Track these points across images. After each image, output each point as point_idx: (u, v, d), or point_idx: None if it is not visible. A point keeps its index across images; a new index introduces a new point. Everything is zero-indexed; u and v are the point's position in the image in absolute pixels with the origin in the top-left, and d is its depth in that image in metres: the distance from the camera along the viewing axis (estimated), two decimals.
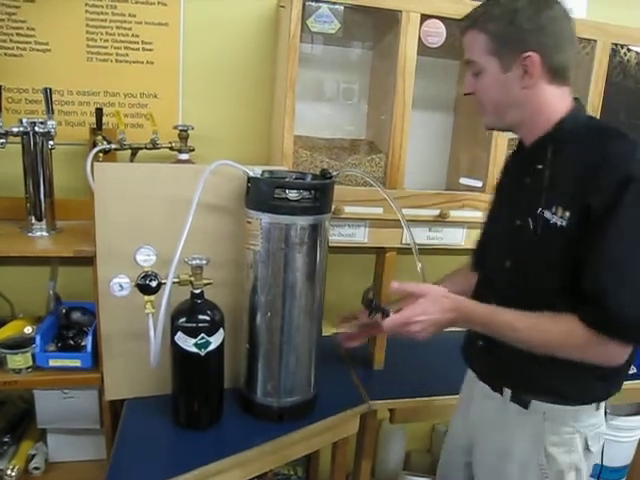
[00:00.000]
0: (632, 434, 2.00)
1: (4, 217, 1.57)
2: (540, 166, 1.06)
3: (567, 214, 0.98)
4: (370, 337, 1.58)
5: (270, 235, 1.23)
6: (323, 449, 1.68)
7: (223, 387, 1.33)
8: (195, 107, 1.71)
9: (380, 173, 1.54)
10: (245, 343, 1.34)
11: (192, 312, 1.23)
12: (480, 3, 1.06)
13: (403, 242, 1.54)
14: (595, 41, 1.57)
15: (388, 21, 1.48)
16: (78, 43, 1.60)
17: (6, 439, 1.61)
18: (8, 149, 1.41)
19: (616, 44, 1.61)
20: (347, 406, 1.43)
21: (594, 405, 1.09)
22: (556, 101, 1.04)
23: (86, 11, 1.59)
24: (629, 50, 1.65)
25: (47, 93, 1.43)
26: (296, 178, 1.32)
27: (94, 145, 1.52)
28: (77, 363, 1.43)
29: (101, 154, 1.53)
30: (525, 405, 1.10)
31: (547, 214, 1.01)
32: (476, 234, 1.36)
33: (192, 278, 1.22)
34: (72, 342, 1.48)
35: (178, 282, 1.20)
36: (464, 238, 1.61)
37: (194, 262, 1.21)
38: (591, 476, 1.19)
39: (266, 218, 1.22)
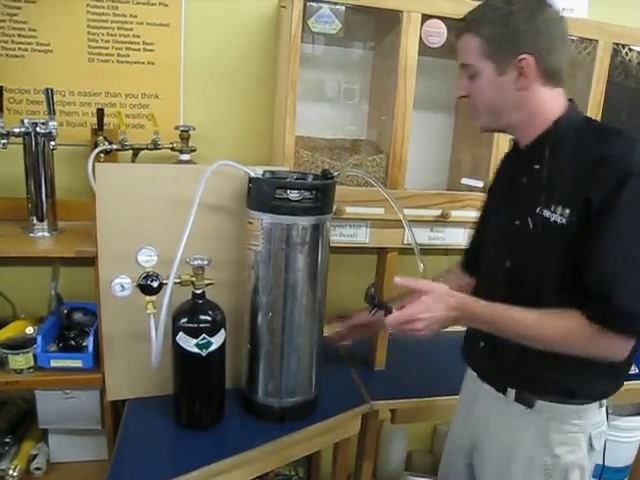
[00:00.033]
0: (634, 434, 2.00)
1: (6, 217, 1.57)
2: (537, 166, 1.06)
3: (567, 212, 0.99)
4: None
5: (271, 235, 1.23)
6: (324, 449, 1.68)
7: (224, 387, 1.33)
8: (196, 107, 1.71)
9: (381, 173, 1.54)
10: (246, 343, 1.34)
11: (193, 312, 1.23)
12: (475, 6, 1.07)
13: (404, 242, 1.54)
14: (596, 41, 1.57)
15: (389, 21, 1.48)
16: (79, 44, 1.60)
17: (7, 439, 1.61)
18: (10, 150, 1.42)
19: (617, 44, 1.61)
20: (348, 406, 1.43)
21: (597, 403, 1.10)
22: (551, 102, 1.05)
23: (87, 12, 1.59)
24: (630, 50, 1.65)
25: (48, 94, 1.43)
26: (297, 178, 1.32)
27: (95, 146, 1.52)
28: (78, 363, 1.43)
29: (102, 155, 1.53)
30: (530, 405, 1.10)
31: (546, 213, 1.02)
32: None
33: (193, 278, 1.22)
34: (73, 342, 1.48)
35: (179, 282, 1.20)
36: (465, 238, 1.61)
37: (195, 262, 1.21)
38: (593, 476, 1.19)
39: (267, 218, 1.22)
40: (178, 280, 1.19)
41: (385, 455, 2.12)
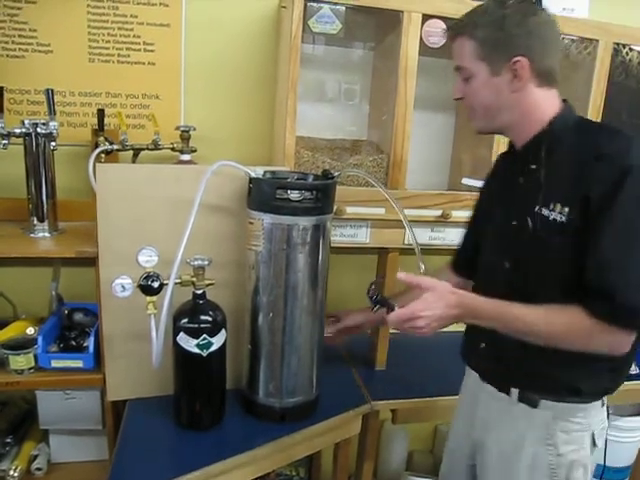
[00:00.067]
0: (634, 434, 2.00)
1: (6, 218, 1.57)
2: (534, 166, 1.08)
3: (566, 210, 1.00)
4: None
5: (272, 236, 1.23)
6: (325, 450, 1.69)
7: (225, 388, 1.33)
8: (197, 108, 1.71)
9: (382, 173, 1.54)
10: (247, 344, 1.34)
11: (194, 313, 1.23)
12: (469, 10, 1.08)
13: (405, 242, 1.54)
14: (597, 41, 1.57)
15: (390, 21, 1.48)
16: (80, 44, 1.60)
17: (8, 440, 1.61)
18: (10, 150, 1.42)
19: (618, 44, 1.61)
20: (349, 407, 1.43)
21: (600, 402, 1.11)
22: (545, 103, 1.06)
23: (88, 12, 1.59)
24: (631, 50, 1.65)
25: (49, 94, 1.43)
26: (298, 179, 1.32)
27: (96, 146, 1.52)
28: (79, 364, 1.43)
29: (103, 155, 1.53)
30: (534, 405, 1.10)
31: (545, 211, 1.03)
32: None
33: (194, 279, 1.22)
34: (74, 343, 1.48)
35: (180, 283, 1.20)
36: None
37: (196, 263, 1.21)
38: (594, 477, 1.19)
39: (268, 219, 1.22)
40: (179, 280, 1.19)
41: (386, 455, 2.12)
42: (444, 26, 1.43)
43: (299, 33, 1.38)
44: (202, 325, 1.22)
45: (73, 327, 1.53)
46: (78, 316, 1.57)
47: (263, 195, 1.22)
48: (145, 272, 1.17)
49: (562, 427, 1.09)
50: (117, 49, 1.63)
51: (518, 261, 1.11)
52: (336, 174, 1.34)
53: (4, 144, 1.41)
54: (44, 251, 1.45)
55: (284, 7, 1.53)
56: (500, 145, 1.55)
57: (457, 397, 1.35)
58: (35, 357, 1.42)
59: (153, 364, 1.19)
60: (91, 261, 1.35)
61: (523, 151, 1.11)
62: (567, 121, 1.06)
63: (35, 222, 1.49)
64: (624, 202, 0.94)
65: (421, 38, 1.44)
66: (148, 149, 1.59)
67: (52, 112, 1.44)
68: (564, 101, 1.09)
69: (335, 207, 1.33)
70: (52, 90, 1.44)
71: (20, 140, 1.44)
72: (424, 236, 1.58)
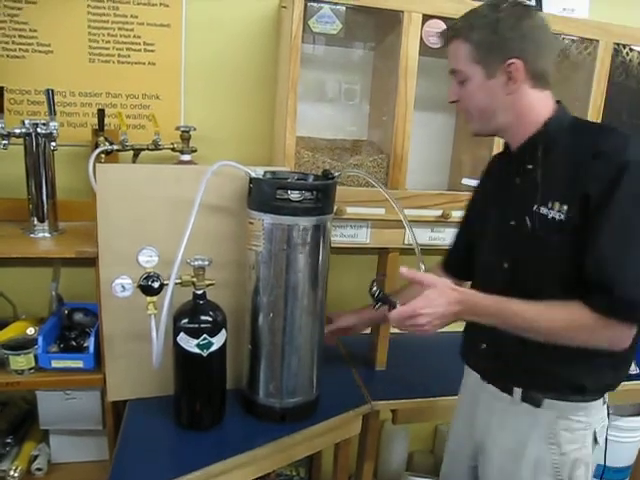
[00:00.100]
0: (635, 434, 2.00)
1: (6, 218, 1.57)
2: (530, 166, 1.09)
3: (565, 208, 1.01)
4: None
5: (272, 236, 1.23)
6: (325, 450, 1.69)
7: (225, 388, 1.33)
8: (197, 108, 1.71)
9: (382, 174, 1.54)
10: (247, 344, 1.34)
11: (194, 313, 1.23)
12: (463, 14, 1.10)
13: (405, 243, 1.54)
14: (597, 41, 1.57)
15: (390, 21, 1.48)
16: (80, 44, 1.60)
17: (9, 440, 1.61)
18: (10, 150, 1.42)
19: (618, 44, 1.61)
20: (349, 407, 1.43)
21: (601, 400, 1.11)
22: (540, 104, 1.08)
23: (88, 12, 1.59)
24: (631, 50, 1.65)
25: (49, 94, 1.43)
26: (298, 179, 1.32)
27: (96, 146, 1.52)
28: (79, 364, 1.43)
29: (103, 155, 1.53)
30: (538, 404, 1.10)
31: (544, 210, 1.04)
32: None
33: (194, 279, 1.22)
34: (74, 343, 1.48)
35: (180, 283, 1.20)
36: None
37: (196, 263, 1.21)
38: (594, 477, 1.19)
39: (268, 219, 1.22)
40: (179, 281, 1.19)
41: (386, 455, 2.12)
42: (444, 26, 1.43)
43: (299, 33, 1.38)
44: (202, 325, 1.22)
45: (73, 327, 1.53)
46: (78, 316, 1.57)
47: (263, 195, 1.22)
48: (145, 272, 1.17)
49: (565, 426, 1.09)
50: (117, 49, 1.63)
51: (517, 261, 1.11)
52: (336, 174, 1.34)
53: (4, 144, 1.41)
54: (44, 251, 1.45)
55: (284, 7, 1.53)
56: (500, 145, 1.54)
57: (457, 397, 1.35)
58: (35, 357, 1.42)
59: (153, 364, 1.19)
60: (91, 261, 1.35)
61: (519, 152, 1.12)
62: (562, 121, 1.08)
63: (35, 222, 1.49)
64: (621, 199, 0.95)
65: (421, 38, 1.44)
66: (148, 149, 1.59)
67: (52, 112, 1.44)
68: (558, 102, 1.10)
69: (335, 207, 1.33)
70: (52, 90, 1.44)
71: (20, 140, 1.44)
72: (424, 236, 1.58)
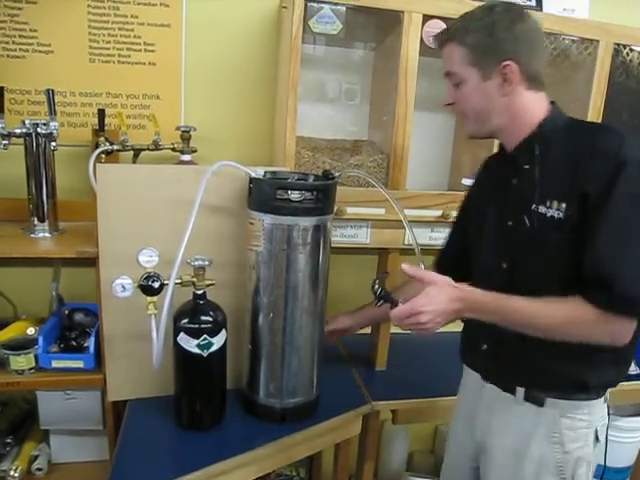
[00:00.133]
0: (635, 435, 2.00)
1: (7, 218, 1.57)
2: (527, 166, 1.10)
3: (563, 206, 1.02)
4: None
5: (272, 236, 1.23)
6: (326, 450, 1.69)
7: (225, 388, 1.33)
8: (197, 108, 1.71)
9: (382, 174, 1.54)
10: (247, 344, 1.34)
11: (194, 313, 1.23)
12: (456, 18, 1.11)
13: (405, 243, 1.54)
14: (597, 41, 1.57)
15: (390, 22, 1.48)
16: (80, 44, 1.60)
17: (9, 440, 1.61)
18: (11, 150, 1.42)
19: (618, 44, 1.61)
20: (349, 407, 1.43)
21: (602, 398, 1.12)
22: (534, 105, 1.09)
23: (88, 12, 1.59)
24: (631, 50, 1.65)
25: (49, 94, 1.43)
26: (298, 179, 1.32)
27: (96, 146, 1.52)
28: (80, 364, 1.43)
29: (103, 155, 1.53)
30: (540, 403, 1.10)
31: (542, 209, 1.05)
32: None
33: (194, 279, 1.22)
34: (75, 343, 1.48)
35: (180, 283, 1.20)
36: None
37: (196, 263, 1.21)
38: (594, 477, 1.19)
39: (268, 219, 1.22)
40: (179, 281, 1.19)
41: (386, 456, 2.12)
42: (444, 26, 1.43)
43: (299, 33, 1.38)
44: (202, 325, 1.22)
45: (73, 327, 1.53)
46: (78, 316, 1.57)
47: (263, 195, 1.22)
48: (145, 272, 1.17)
49: (568, 425, 1.10)
50: (118, 49, 1.63)
51: (516, 261, 1.12)
52: (336, 174, 1.34)
53: (5, 144, 1.41)
54: (44, 251, 1.45)
55: (284, 7, 1.53)
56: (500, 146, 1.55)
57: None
58: (35, 357, 1.42)
59: (154, 364, 1.19)
60: (91, 261, 1.35)
61: (515, 152, 1.13)
62: (557, 122, 1.09)
63: (35, 222, 1.49)
64: (619, 197, 0.96)
65: (421, 38, 1.44)
66: (149, 149, 1.59)
67: (52, 112, 1.44)
68: (552, 103, 1.12)
69: (335, 207, 1.33)
70: (53, 90, 1.44)
71: (21, 140, 1.44)
72: (424, 236, 1.58)
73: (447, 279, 1.06)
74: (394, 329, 1.56)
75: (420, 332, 1.05)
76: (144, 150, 1.59)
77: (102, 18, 1.60)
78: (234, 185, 1.33)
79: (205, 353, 1.22)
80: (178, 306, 1.24)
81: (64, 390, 1.53)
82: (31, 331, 1.48)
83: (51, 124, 1.44)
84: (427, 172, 1.78)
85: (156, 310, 1.17)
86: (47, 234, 1.50)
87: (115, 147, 1.54)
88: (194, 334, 1.21)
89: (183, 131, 1.61)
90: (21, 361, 1.41)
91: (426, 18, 1.43)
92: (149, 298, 1.18)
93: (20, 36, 1.56)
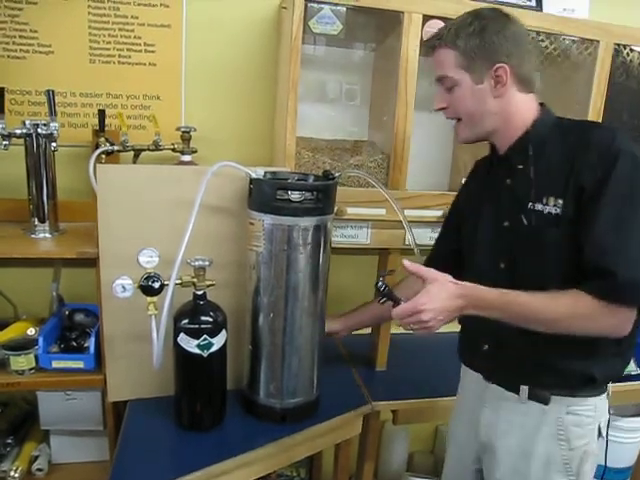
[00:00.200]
0: (635, 435, 1.99)
1: (7, 219, 1.57)
2: (521, 166, 1.11)
3: (560, 202, 1.03)
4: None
5: (272, 236, 1.23)
6: (326, 450, 1.69)
7: (225, 388, 1.33)
8: (197, 108, 1.71)
9: (382, 174, 1.54)
10: (248, 344, 1.34)
11: (195, 313, 1.23)
12: (446, 24, 1.13)
13: (406, 243, 1.54)
14: (597, 41, 1.57)
15: (390, 22, 1.48)
16: (81, 45, 1.60)
17: (9, 440, 1.61)
18: (11, 151, 1.42)
19: (619, 44, 1.61)
20: (350, 407, 1.43)
21: (605, 393, 1.13)
22: (526, 107, 1.12)
23: (89, 13, 1.59)
24: (632, 50, 1.64)
25: (50, 95, 1.43)
26: (298, 179, 1.33)
27: (97, 147, 1.52)
28: (80, 364, 1.43)
29: (104, 156, 1.53)
30: (545, 401, 1.11)
31: (539, 206, 1.06)
32: None
33: (195, 279, 1.22)
34: (75, 344, 1.48)
35: (181, 283, 1.20)
36: None
37: (197, 263, 1.21)
38: (595, 477, 1.19)
39: (268, 219, 1.22)
40: (179, 281, 1.19)
41: (386, 456, 2.12)
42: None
43: (300, 34, 1.38)
44: (203, 326, 1.22)
45: (74, 328, 1.53)
46: (79, 317, 1.57)
47: (264, 196, 1.22)
48: (146, 273, 1.17)
49: (574, 421, 1.10)
50: (118, 50, 1.63)
51: (513, 260, 1.12)
52: (337, 175, 1.34)
53: (5, 145, 1.41)
54: (45, 252, 1.45)
55: (285, 8, 1.53)
56: None
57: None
58: (36, 358, 1.42)
59: (154, 365, 1.19)
60: (92, 262, 1.35)
61: (509, 153, 1.14)
62: (548, 122, 1.12)
63: (36, 223, 1.49)
64: (614, 189, 0.98)
65: (421, 39, 1.43)
66: (149, 150, 1.59)
67: (53, 113, 1.44)
68: (541, 104, 1.14)
69: (336, 208, 1.33)
70: (53, 91, 1.44)
71: (21, 141, 1.44)
72: (424, 236, 1.58)
73: (447, 276, 1.06)
74: (394, 329, 1.57)
75: (422, 331, 1.05)
76: (144, 150, 1.60)
77: (102, 19, 1.60)
78: (234, 185, 1.33)
79: (205, 353, 1.22)
80: (178, 306, 1.24)
81: (64, 390, 1.53)
82: (31, 331, 1.48)
83: (51, 125, 1.44)
84: (427, 172, 1.78)
85: (156, 310, 1.17)
86: (47, 234, 1.50)
87: (115, 147, 1.54)
88: (194, 334, 1.21)
89: (183, 131, 1.61)
90: (21, 361, 1.41)
91: (426, 18, 1.42)
92: (149, 298, 1.18)
93: (20, 37, 1.56)
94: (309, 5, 1.38)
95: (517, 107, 1.10)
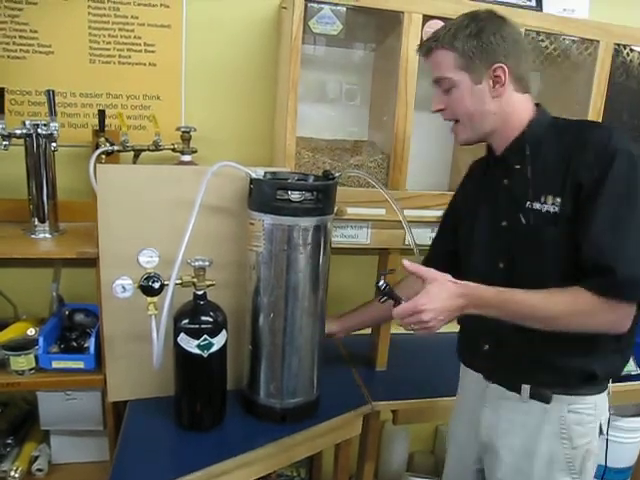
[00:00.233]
0: (636, 435, 1.99)
1: (7, 219, 1.57)
2: (518, 166, 1.12)
3: (558, 200, 1.04)
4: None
5: (272, 236, 1.23)
6: (326, 450, 1.69)
7: (226, 388, 1.33)
8: (197, 109, 1.71)
9: (382, 174, 1.54)
10: (248, 344, 1.34)
11: (195, 313, 1.23)
12: (442, 26, 1.14)
13: (406, 243, 1.54)
14: (597, 41, 1.57)
15: (390, 22, 1.48)
16: (81, 45, 1.60)
17: (9, 441, 1.61)
18: (11, 151, 1.42)
19: (619, 44, 1.61)
20: (350, 407, 1.43)
21: (605, 392, 1.13)
22: (522, 107, 1.12)
23: (89, 13, 1.59)
24: (632, 50, 1.64)
25: (50, 95, 1.43)
26: (298, 179, 1.33)
27: (97, 147, 1.52)
28: (80, 365, 1.43)
29: (104, 156, 1.53)
30: (547, 400, 1.11)
31: (537, 205, 1.07)
32: None
33: (195, 279, 1.22)
34: (75, 344, 1.48)
35: (181, 283, 1.20)
36: None
37: (197, 263, 1.21)
38: (595, 477, 1.19)
39: (269, 219, 1.22)
40: (179, 281, 1.19)
41: (387, 456, 2.12)
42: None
43: (300, 34, 1.38)
44: (203, 326, 1.22)
45: (74, 328, 1.53)
46: (79, 317, 1.57)
47: (264, 196, 1.22)
48: (146, 273, 1.17)
49: (576, 420, 1.10)
50: (118, 50, 1.63)
51: (512, 260, 1.12)
52: (337, 175, 1.34)
53: (5, 145, 1.41)
54: (45, 252, 1.45)
55: (285, 8, 1.53)
56: None
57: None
58: (36, 358, 1.42)
59: (154, 365, 1.19)
60: (92, 262, 1.35)
61: (506, 153, 1.15)
62: (543, 122, 1.12)
63: (36, 223, 1.49)
64: (612, 186, 0.98)
65: (422, 39, 1.43)
66: (149, 150, 1.59)
67: (53, 113, 1.44)
68: (537, 105, 1.14)
69: (336, 208, 1.33)
70: (53, 91, 1.44)
71: (21, 141, 1.44)
72: (424, 236, 1.57)
73: (446, 275, 1.06)
74: (394, 329, 1.57)
75: (423, 331, 1.04)
76: (144, 151, 1.60)
77: (102, 19, 1.60)
78: (234, 186, 1.33)
79: (205, 353, 1.22)
80: (178, 307, 1.24)
81: (64, 391, 1.53)
82: (31, 332, 1.48)
83: (51, 125, 1.44)
84: (427, 172, 1.78)
85: (156, 311, 1.18)
86: (47, 235, 1.50)
87: (115, 148, 1.54)
88: (194, 334, 1.21)
89: (183, 132, 1.61)
90: (21, 362, 1.41)
91: (426, 18, 1.43)
92: (149, 299, 1.18)
93: (20, 37, 1.56)
94: (309, 5, 1.38)
95: (514, 107, 1.11)
